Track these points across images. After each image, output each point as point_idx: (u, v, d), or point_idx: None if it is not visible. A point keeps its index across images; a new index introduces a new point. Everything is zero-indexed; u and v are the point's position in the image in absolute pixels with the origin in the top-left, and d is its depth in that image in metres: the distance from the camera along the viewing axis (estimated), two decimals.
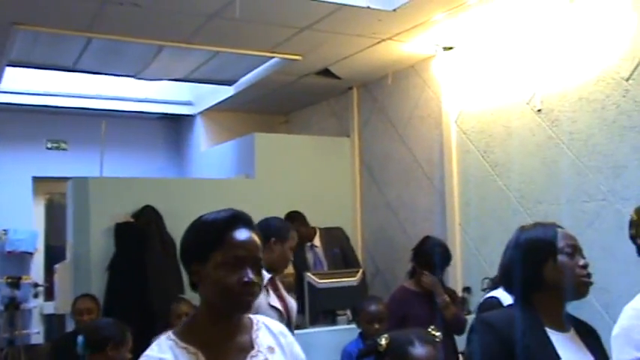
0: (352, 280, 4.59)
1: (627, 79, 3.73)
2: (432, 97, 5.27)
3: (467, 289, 4.74)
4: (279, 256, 3.08)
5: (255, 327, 1.53)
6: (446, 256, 3.66)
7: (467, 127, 4.91)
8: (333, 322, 4.50)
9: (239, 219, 1.46)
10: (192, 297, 2.17)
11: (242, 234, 1.44)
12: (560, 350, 1.76)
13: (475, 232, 4.73)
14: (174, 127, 7.69)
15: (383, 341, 1.68)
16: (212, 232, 1.45)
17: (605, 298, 3.45)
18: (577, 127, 3.98)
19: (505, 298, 2.66)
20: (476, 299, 4.60)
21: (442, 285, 3.77)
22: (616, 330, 1.99)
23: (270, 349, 1.50)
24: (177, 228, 3.96)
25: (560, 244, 1.79)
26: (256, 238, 1.48)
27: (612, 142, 3.78)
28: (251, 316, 1.54)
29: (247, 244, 1.44)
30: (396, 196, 5.65)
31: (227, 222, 1.46)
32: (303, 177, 5.76)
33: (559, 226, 1.87)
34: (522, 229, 1.88)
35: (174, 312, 3.86)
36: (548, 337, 1.75)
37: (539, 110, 4.24)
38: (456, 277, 4.79)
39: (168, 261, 4.55)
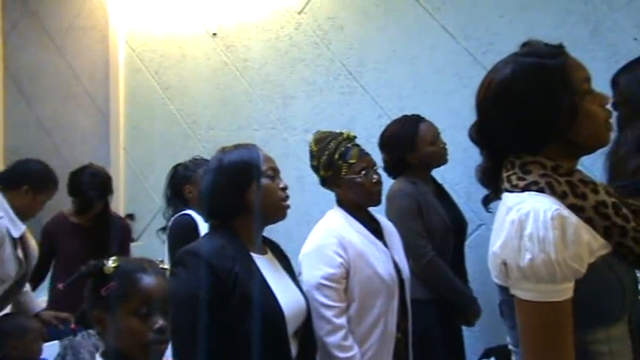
0: None
1: (300, 12, 3.81)
2: (97, 8, 4.74)
3: (130, 216, 4.51)
4: None
5: None
6: (103, 188, 3.41)
7: (137, 45, 4.54)
8: None
9: None
10: None
11: None
12: (264, 272, 1.77)
13: (141, 156, 4.45)
14: None
15: (111, 264, 1.49)
16: None
17: None
18: (251, 54, 3.96)
19: (198, 217, 2.65)
20: (140, 226, 4.43)
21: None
22: (307, 248, 2.06)
23: None
24: None
25: (264, 166, 1.79)
26: None
27: (283, 73, 3.83)
28: None
29: None
30: (50, 114, 5.03)
31: None
32: None
33: (259, 149, 1.85)
34: (223, 151, 1.83)
35: None
36: (254, 262, 1.75)
37: (214, 34, 4.11)
38: (119, 203, 4.51)
39: None
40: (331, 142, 2.04)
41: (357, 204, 2.06)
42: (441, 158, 2.73)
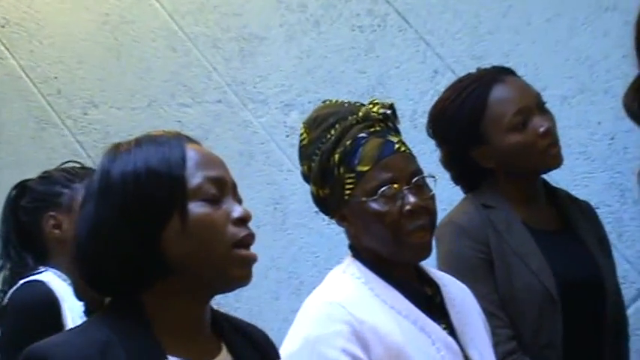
0: None
1: None
2: None
3: None
4: None
5: None
6: None
7: None
8: None
9: None
10: None
11: None
12: None
13: None
14: None
15: None
16: None
17: None
18: None
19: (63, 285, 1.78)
20: None
21: None
22: (292, 342, 1.29)
23: None
24: None
25: (195, 179, 1.07)
26: None
27: None
28: None
29: None
30: None
31: None
32: None
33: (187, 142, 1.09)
34: (115, 152, 1.02)
35: None
36: None
37: None
38: None
39: None
40: (333, 127, 1.28)
41: (380, 255, 1.27)
42: (545, 157, 1.63)
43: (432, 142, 1.70)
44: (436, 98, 1.72)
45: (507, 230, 1.59)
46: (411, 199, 1.24)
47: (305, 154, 1.32)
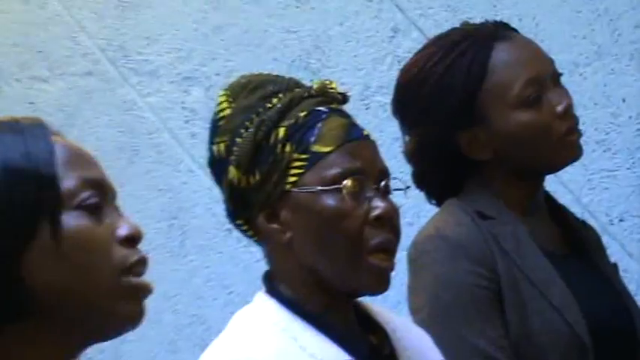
0: None
1: None
2: None
3: None
4: None
5: None
6: None
7: None
8: None
9: None
10: None
11: None
12: None
13: None
14: None
15: None
16: None
17: None
18: None
19: None
20: None
21: None
22: None
23: None
24: None
25: (68, 182, 0.99)
26: None
27: None
28: None
29: None
30: None
31: None
32: None
33: (53, 135, 0.93)
34: None
35: None
36: None
37: None
38: None
39: None
40: (275, 96, 1.16)
41: (319, 279, 1.11)
42: (561, 147, 1.43)
43: (391, 129, 1.51)
44: (396, 67, 1.58)
45: (517, 250, 1.43)
46: (380, 202, 1.12)
47: (224, 127, 1.17)
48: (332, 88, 1.16)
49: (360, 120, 1.61)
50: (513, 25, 1.56)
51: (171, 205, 1.91)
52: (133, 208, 1.86)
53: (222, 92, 1.17)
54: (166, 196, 1.90)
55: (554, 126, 1.40)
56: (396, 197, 1.09)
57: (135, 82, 1.95)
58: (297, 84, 1.19)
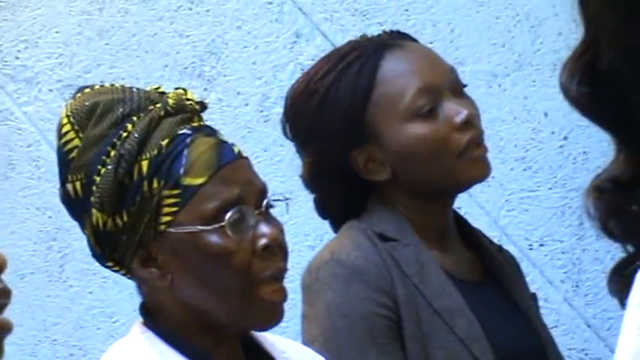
0: None
1: None
2: None
3: None
4: None
5: None
6: None
7: None
8: None
9: None
10: None
11: None
12: None
13: None
14: None
15: None
16: None
17: None
18: None
19: None
20: None
21: None
22: None
23: None
24: None
25: None
26: None
27: None
28: None
29: None
30: None
31: None
32: None
33: None
34: None
35: None
36: None
37: None
38: None
39: None
40: (128, 120, 1.08)
41: (209, 318, 1.10)
42: (463, 163, 1.36)
43: (292, 144, 1.44)
44: (298, 76, 1.43)
45: (419, 275, 1.37)
46: (265, 228, 1.10)
47: (77, 163, 1.09)
48: (189, 100, 1.08)
49: (259, 133, 1.52)
50: (427, 31, 1.56)
51: (50, 225, 1.77)
52: (8, 229, 1.70)
53: (64, 116, 1.06)
54: (45, 215, 1.76)
55: (452, 139, 1.31)
56: None
57: (11, 90, 1.82)
58: (149, 98, 1.08)
